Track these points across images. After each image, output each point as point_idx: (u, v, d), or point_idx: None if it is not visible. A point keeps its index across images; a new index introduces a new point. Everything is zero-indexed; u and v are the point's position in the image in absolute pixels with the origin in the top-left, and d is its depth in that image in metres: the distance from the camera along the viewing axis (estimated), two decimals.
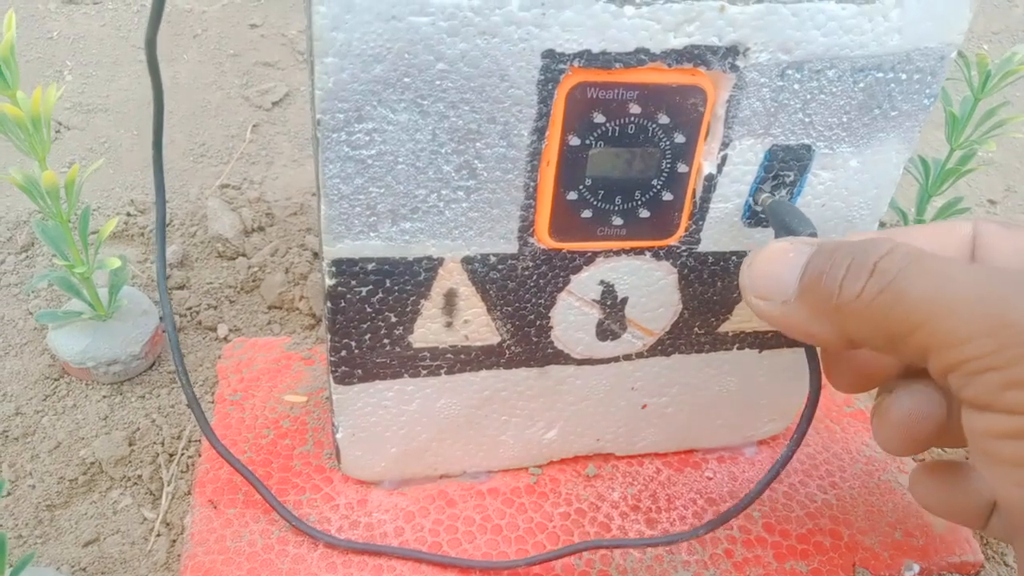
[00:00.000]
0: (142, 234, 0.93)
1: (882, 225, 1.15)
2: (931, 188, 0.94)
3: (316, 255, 0.91)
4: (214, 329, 0.86)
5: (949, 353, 0.40)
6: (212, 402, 0.78)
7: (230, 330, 0.86)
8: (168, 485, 0.74)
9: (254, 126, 1.08)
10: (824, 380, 0.61)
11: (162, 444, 0.77)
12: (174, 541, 0.70)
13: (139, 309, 0.82)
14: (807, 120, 0.58)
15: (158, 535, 0.71)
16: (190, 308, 0.86)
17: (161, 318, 0.83)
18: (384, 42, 0.47)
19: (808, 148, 0.59)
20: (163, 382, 0.82)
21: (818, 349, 0.59)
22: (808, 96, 0.56)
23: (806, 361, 0.59)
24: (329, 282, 0.57)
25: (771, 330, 0.71)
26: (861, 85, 0.57)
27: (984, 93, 0.89)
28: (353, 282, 0.57)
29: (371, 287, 0.58)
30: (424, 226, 0.56)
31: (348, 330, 0.60)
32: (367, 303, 0.58)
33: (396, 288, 0.58)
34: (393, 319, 0.60)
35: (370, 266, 0.57)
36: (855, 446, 0.83)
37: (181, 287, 0.88)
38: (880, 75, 0.57)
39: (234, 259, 0.92)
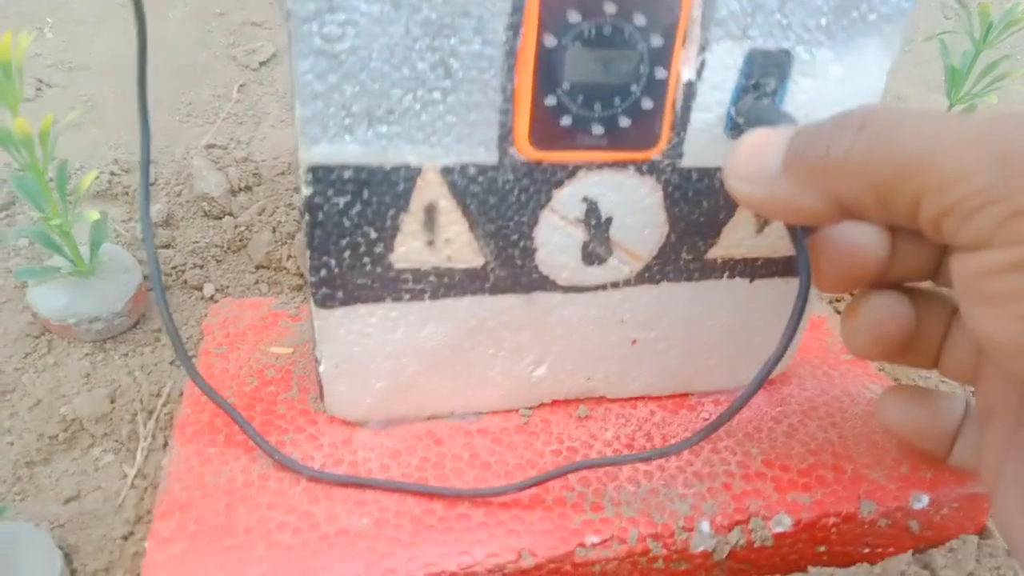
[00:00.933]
0: (126, 193, 0.93)
1: None
2: None
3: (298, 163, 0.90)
4: (200, 288, 0.86)
5: (946, 193, 0.39)
6: (195, 355, 0.77)
7: (216, 290, 0.85)
8: (144, 440, 0.72)
9: (241, 86, 1.08)
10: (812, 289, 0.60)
11: (142, 401, 0.75)
12: (146, 490, 0.68)
13: (122, 266, 0.81)
14: (785, 22, 0.58)
15: (132, 487, 0.69)
16: (175, 267, 0.85)
17: (145, 276, 0.83)
18: None
19: (787, 53, 0.59)
20: (146, 341, 0.81)
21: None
22: None
23: (793, 245, 0.57)
24: (306, 192, 0.56)
25: (761, 257, 0.70)
26: None
27: (986, 44, 0.89)
28: (330, 191, 0.56)
29: (349, 197, 0.57)
30: (401, 130, 0.55)
31: (327, 246, 0.59)
32: (345, 216, 0.58)
33: (374, 200, 0.58)
34: (373, 235, 0.59)
35: (347, 174, 0.56)
36: (855, 389, 0.81)
37: (167, 246, 0.87)
38: None
39: (220, 218, 0.91)
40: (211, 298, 0.85)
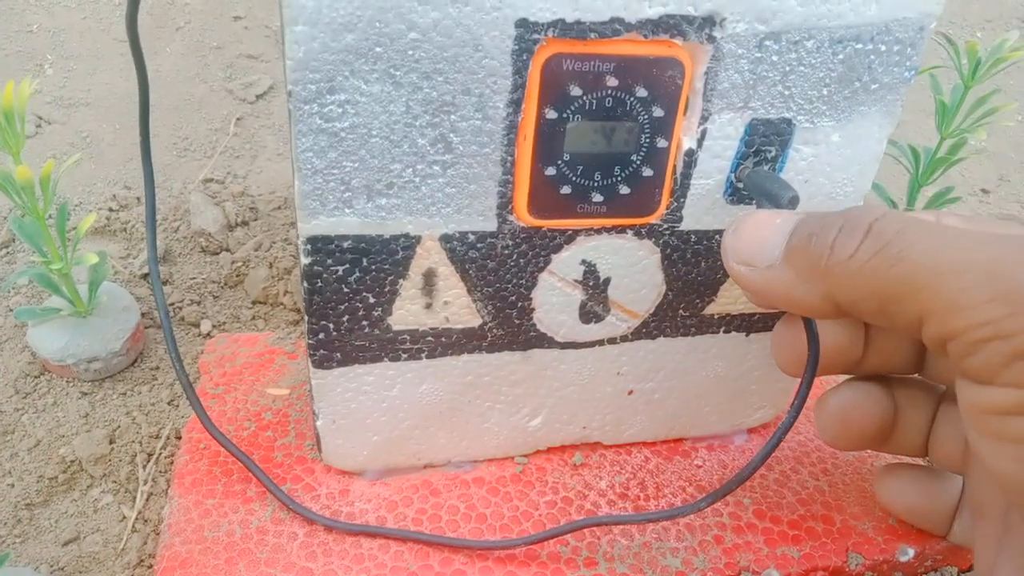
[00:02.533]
0: (124, 229, 0.93)
1: None
2: (922, 178, 0.93)
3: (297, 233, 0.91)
4: (197, 325, 0.86)
5: (951, 319, 0.38)
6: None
7: (213, 326, 0.86)
8: (144, 484, 0.73)
9: (238, 119, 1.08)
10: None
11: (141, 443, 0.76)
12: (148, 536, 0.69)
13: (119, 305, 0.82)
14: (787, 93, 0.58)
15: (133, 531, 0.69)
16: (173, 304, 0.85)
17: (143, 314, 0.83)
18: (355, 10, 0.46)
19: (789, 122, 0.59)
20: (144, 379, 0.81)
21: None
22: (787, 68, 0.56)
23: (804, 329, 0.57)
24: (305, 261, 0.56)
25: (758, 312, 0.71)
26: (840, 57, 0.57)
27: (974, 81, 0.88)
28: (329, 261, 0.57)
29: (348, 266, 0.57)
30: (400, 202, 0.55)
31: (325, 311, 0.59)
32: (344, 283, 0.58)
33: (373, 267, 0.58)
34: (371, 300, 0.60)
35: (346, 244, 0.56)
36: None
37: (164, 282, 0.87)
38: (859, 46, 0.56)
39: (217, 254, 0.91)
40: (208, 335, 0.85)
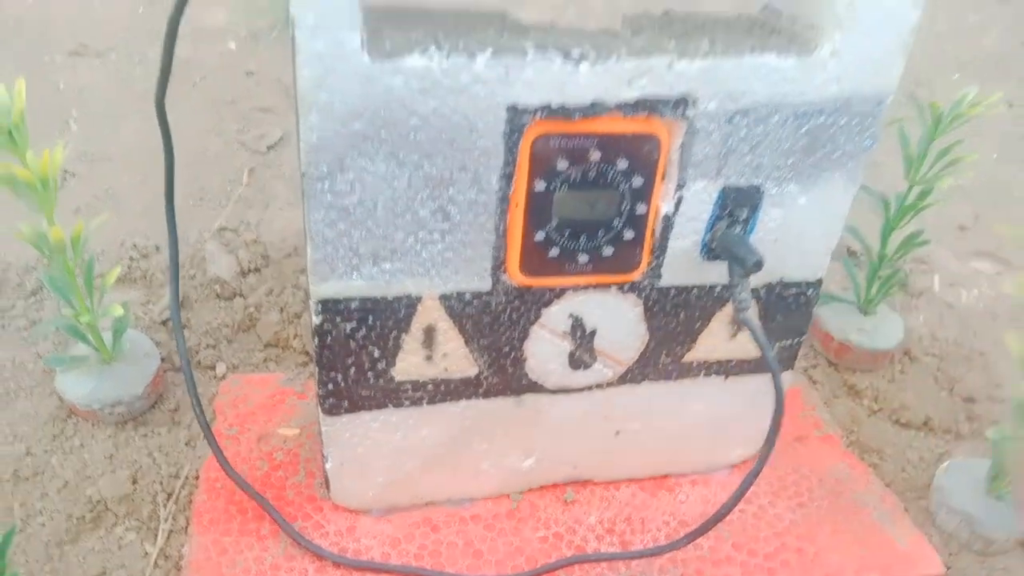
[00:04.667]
0: (144, 277, 0.96)
1: (851, 254, 1.18)
2: (893, 222, 0.97)
3: (309, 295, 0.94)
4: (213, 367, 0.89)
5: None
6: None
7: (228, 368, 0.89)
8: (165, 522, 0.76)
9: (250, 170, 1.12)
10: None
11: (161, 483, 0.79)
12: (169, 572, 0.71)
13: (141, 351, 0.85)
14: (756, 163, 0.61)
15: (156, 567, 0.72)
16: (190, 347, 0.89)
17: (162, 358, 0.86)
18: (362, 100, 0.50)
19: (758, 188, 0.63)
20: (163, 421, 0.84)
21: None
22: (755, 140, 0.60)
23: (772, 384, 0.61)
24: (316, 320, 0.60)
25: (735, 358, 0.74)
26: (804, 129, 0.60)
27: (937, 134, 0.92)
28: (338, 319, 0.60)
29: (355, 324, 0.61)
30: (403, 266, 0.59)
31: (334, 364, 0.62)
32: (352, 339, 0.61)
33: (378, 324, 0.61)
34: (376, 353, 0.63)
35: (353, 304, 0.60)
36: (823, 467, 0.85)
37: (182, 327, 0.90)
38: (822, 120, 0.60)
39: (231, 299, 0.95)
40: (222, 377, 0.88)
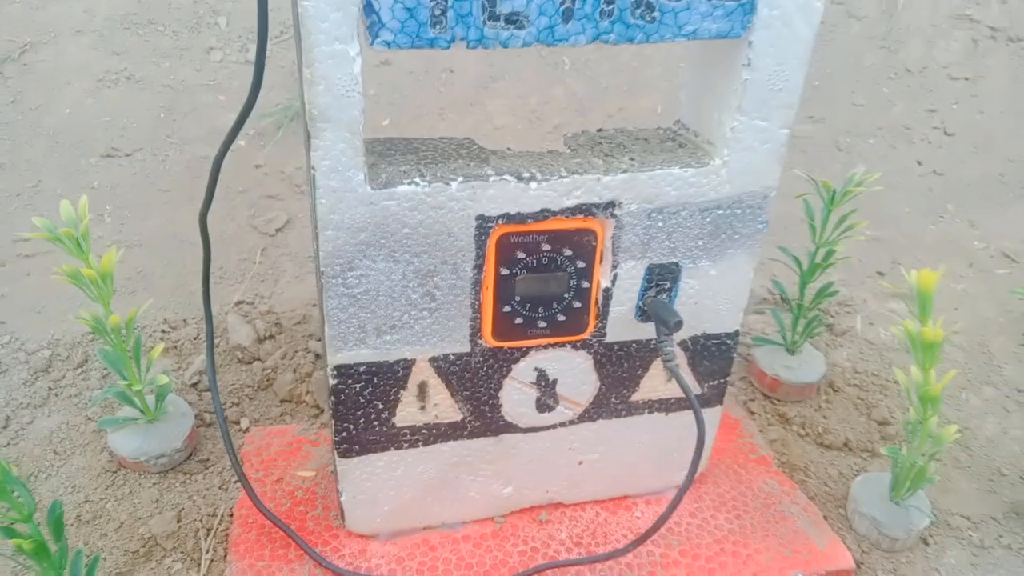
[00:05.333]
0: (175, 347, 1.11)
1: (781, 302, 1.34)
2: (806, 277, 1.14)
3: (318, 356, 1.09)
4: (238, 422, 1.04)
5: None
6: (237, 481, 0.95)
7: (251, 422, 1.04)
8: (207, 553, 0.90)
9: (262, 250, 1.28)
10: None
11: (201, 521, 0.93)
12: None
13: (179, 412, 1.00)
14: (672, 246, 0.78)
15: None
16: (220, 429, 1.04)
17: (196, 416, 1.01)
18: (365, 218, 0.66)
19: (676, 265, 0.79)
20: (199, 469, 0.99)
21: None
22: (670, 230, 0.76)
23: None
24: (332, 382, 0.75)
25: (673, 396, 0.89)
26: (708, 219, 0.77)
27: (834, 206, 1.09)
28: (349, 381, 0.75)
29: (363, 383, 0.76)
30: (400, 337, 0.74)
31: (347, 416, 0.78)
32: (360, 395, 0.77)
33: (381, 383, 0.77)
34: (380, 406, 0.78)
35: (362, 368, 0.75)
36: (757, 485, 1.00)
37: (208, 390, 1.05)
38: (721, 212, 0.77)
39: (251, 364, 1.10)
40: (246, 430, 1.03)
